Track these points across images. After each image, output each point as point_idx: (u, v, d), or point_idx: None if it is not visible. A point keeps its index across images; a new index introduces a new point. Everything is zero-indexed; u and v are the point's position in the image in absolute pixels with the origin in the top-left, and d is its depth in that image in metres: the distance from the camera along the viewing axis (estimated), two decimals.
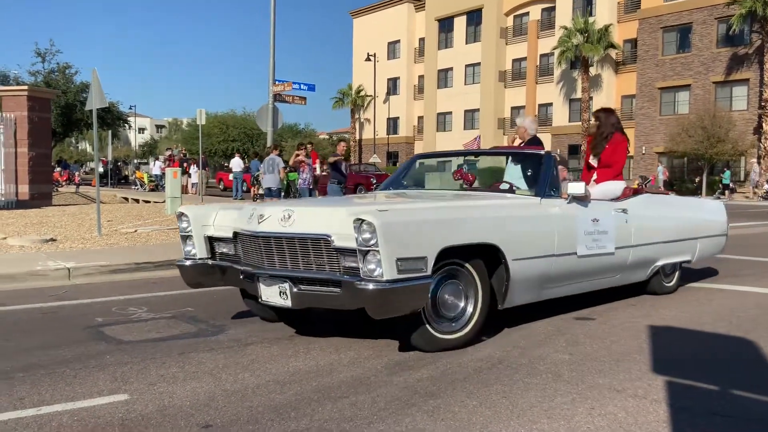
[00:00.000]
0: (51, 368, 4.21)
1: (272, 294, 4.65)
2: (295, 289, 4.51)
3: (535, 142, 7.86)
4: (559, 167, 5.91)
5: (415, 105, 56.48)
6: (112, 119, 37.70)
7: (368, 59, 53.30)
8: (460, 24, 51.18)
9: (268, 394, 3.75)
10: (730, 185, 33.49)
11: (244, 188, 26.99)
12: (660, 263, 6.60)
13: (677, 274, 7.08)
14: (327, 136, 68.33)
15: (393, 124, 57.55)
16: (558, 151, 36.13)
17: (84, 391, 3.75)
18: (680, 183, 35.73)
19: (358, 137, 59.31)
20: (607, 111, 7.05)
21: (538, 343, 4.93)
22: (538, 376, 4.10)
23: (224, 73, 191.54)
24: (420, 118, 55.41)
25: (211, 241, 5.30)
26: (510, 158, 6.80)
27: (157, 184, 32.59)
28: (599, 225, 5.68)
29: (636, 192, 6.78)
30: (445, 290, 4.67)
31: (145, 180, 34.24)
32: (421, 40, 55.13)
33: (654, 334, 5.20)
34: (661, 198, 7.30)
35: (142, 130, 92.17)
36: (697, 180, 35.52)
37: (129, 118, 46.51)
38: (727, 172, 33.73)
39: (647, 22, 39.00)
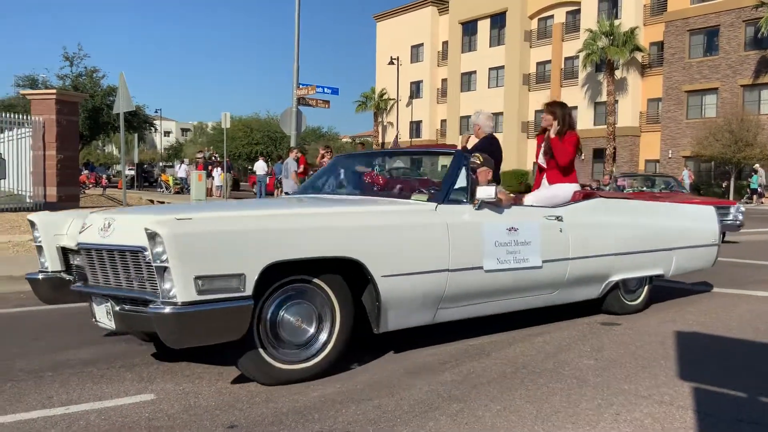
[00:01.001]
0: (78, 368, 4.28)
1: (102, 314, 4.14)
2: (117, 309, 3.95)
3: (489, 141, 6.86)
4: (482, 169, 5.24)
5: (438, 108, 56.40)
6: (139, 122, 38.11)
7: (391, 63, 53.30)
8: (483, 27, 51.01)
9: (292, 396, 3.77)
10: (759, 190, 32.99)
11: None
12: (616, 278, 5.80)
13: (645, 290, 6.27)
14: (350, 140, 68.48)
15: (416, 127, 57.53)
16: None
17: (111, 391, 3.80)
18: (707, 187, 35.28)
19: (380, 140, 59.36)
20: (562, 105, 6.46)
21: (562, 347, 4.90)
22: (562, 381, 4.08)
23: (249, 77, 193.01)
24: (443, 121, 55.30)
25: (65, 251, 4.62)
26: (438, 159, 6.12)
27: (182, 187, 32.92)
28: (518, 235, 4.95)
29: (587, 196, 6.02)
30: (289, 311, 3.98)
31: (170, 183, 34.59)
32: (445, 43, 55.05)
33: (680, 340, 5.14)
34: (619, 203, 6.23)
35: (167, 133, 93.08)
36: (724, 185, 35.04)
37: (155, 122, 47.00)
38: (755, 177, 33.24)
39: (674, 24, 38.58)
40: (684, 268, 6.61)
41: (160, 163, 64.03)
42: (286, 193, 15.51)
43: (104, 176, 42.63)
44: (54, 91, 16.43)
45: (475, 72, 51.63)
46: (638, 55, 40.41)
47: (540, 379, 4.11)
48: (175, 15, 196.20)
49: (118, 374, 4.15)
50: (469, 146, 6.63)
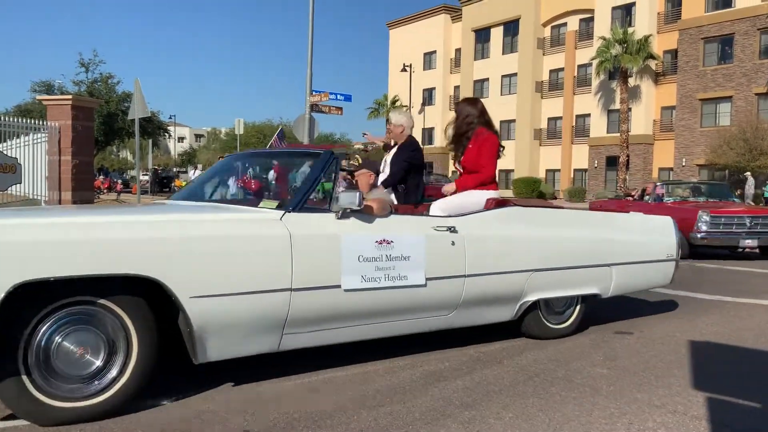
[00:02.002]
0: None
1: None
2: None
3: (412, 145, 6.16)
4: (361, 173, 4.80)
5: (450, 116, 56.10)
6: (153, 128, 38.39)
7: (404, 70, 53.43)
8: (496, 35, 51.03)
9: (304, 401, 3.78)
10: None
11: None
12: (532, 298, 5.12)
13: (576, 311, 5.55)
14: (362, 146, 68.64)
15: (428, 134, 57.56)
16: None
17: None
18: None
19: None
20: (470, 101, 5.67)
21: (575, 356, 4.88)
22: (575, 389, 4.06)
23: (262, 84, 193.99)
24: None
25: None
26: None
27: None
28: (393, 248, 4.29)
29: (500, 204, 5.22)
30: (69, 338, 3.38)
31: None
32: (458, 50, 55.10)
33: (694, 349, 5.11)
34: (538, 213, 5.39)
35: (181, 139, 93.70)
36: (738, 193, 34.82)
37: (169, 128, 47.33)
38: (724, 188, 32.90)
39: (687, 32, 38.43)
40: (630, 286, 5.89)
41: (174, 169, 64.42)
42: None
43: (119, 181, 42.91)
44: (70, 96, 16.58)
45: (487, 79, 51.61)
46: (652, 63, 40.27)
47: (552, 387, 4.10)
48: (189, 22, 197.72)
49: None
50: (390, 149, 6.08)
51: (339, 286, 4.08)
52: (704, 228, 11.44)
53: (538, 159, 48.37)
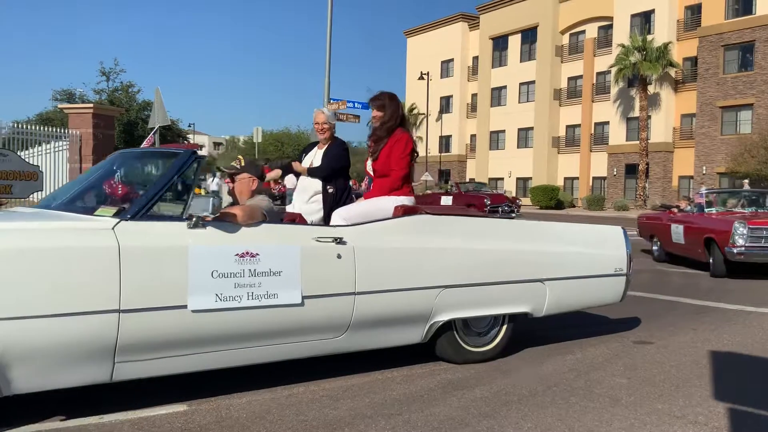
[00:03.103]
0: None
1: None
2: None
3: (343, 146, 5.58)
4: (242, 177, 4.47)
5: (468, 123, 56.35)
6: (173, 136, 38.75)
7: (421, 78, 53.47)
8: (514, 42, 50.95)
9: (322, 409, 3.79)
10: None
11: None
12: (444, 318, 4.56)
13: (502, 332, 4.98)
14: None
15: (445, 142, 57.54)
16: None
17: (144, 401, 3.85)
18: None
19: None
20: (393, 97, 5.07)
21: (595, 366, 4.85)
22: (595, 399, 4.03)
23: (281, 92, 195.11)
24: (473, 136, 55.23)
25: None
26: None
27: None
28: (259, 262, 3.79)
29: (408, 212, 4.65)
30: None
31: (202, 194, 35.00)
32: (475, 58, 55.08)
33: (715, 360, 5.05)
34: (451, 222, 4.77)
35: (200, 147, 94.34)
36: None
37: (188, 136, 47.74)
38: None
39: (707, 39, 38.13)
40: (569, 303, 5.31)
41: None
42: None
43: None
44: (91, 105, 16.79)
45: (505, 87, 51.52)
46: (671, 71, 40.00)
47: (572, 397, 4.07)
48: (209, 32, 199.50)
49: (152, 385, 4.19)
50: (319, 149, 5.53)
51: (185, 306, 3.57)
52: (740, 242, 9.67)
53: (556, 167, 48.14)
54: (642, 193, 40.40)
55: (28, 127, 15.84)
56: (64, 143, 15.58)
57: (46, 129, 15.83)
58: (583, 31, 46.73)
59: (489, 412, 3.78)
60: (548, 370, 4.72)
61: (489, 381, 4.41)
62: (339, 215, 4.72)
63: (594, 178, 45.83)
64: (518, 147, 50.29)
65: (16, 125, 15.18)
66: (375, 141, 4.97)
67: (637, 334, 5.98)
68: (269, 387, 4.16)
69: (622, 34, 41.64)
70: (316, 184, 5.38)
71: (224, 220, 3.85)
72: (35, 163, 14.64)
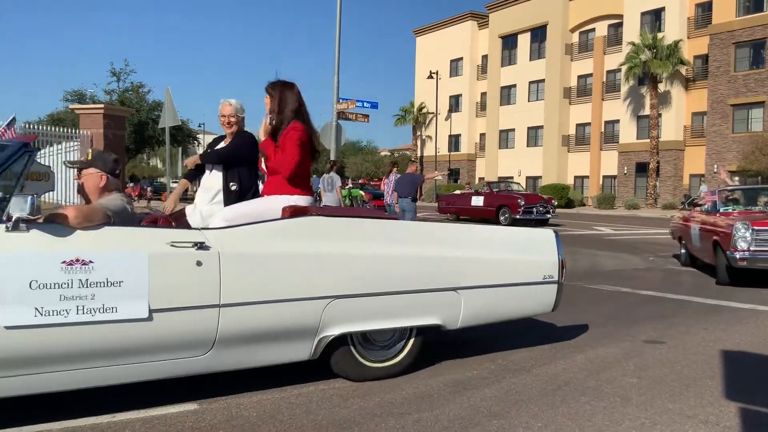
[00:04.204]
0: None
1: None
2: None
3: (251, 138, 5.05)
4: (88, 172, 4.06)
5: (477, 122, 56.29)
6: (183, 137, 38.95)
7: (430, 77, 53.47)
8: (524, 41, 50.85)
9: (332, 408, 3.79)
10: None
11: None
12: (336, 332, 4.08)
13: (410, 345, 4.51)
14: (388, 153, 68.72)
15: (455, 141, 57.48)
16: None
17: (156, 400, 3.87)
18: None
19: (419, 154, 59.45)
20: (288, 85, 4.59)
21: (605, 365, 4.83)
22: (605, 399, 4.02)
23: None
24: (482, 135, 55.16)
25: None
26: None
27: None
28: (93, 271, 3.34)
29: (297, 213, 4.19)
30: None
31: None
32: (484, 57, 55.00)
33: (726, 359, 5.03)
34: (347, 224, 4.24)
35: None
36: None
37: (198, 135, 47.93)
38: None
39: (718, 37, 37.91)
40: (490, 314, 4.80)
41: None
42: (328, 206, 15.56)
43: (149, 188, 43.51)
44: (102, 105, 16.89)
45: (515, 85, 51.42)
46: (682, 69, 39.79)
47: (582, 397, 4.06)
48: (219, 33, 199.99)
49: (163, 384, 4.21)
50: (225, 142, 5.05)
51: None
52: (743, 246, 8.59)
53: (566, 165, 48.00)
54: (653, 192, 40.22)
55: (40, 127, 15.96)
56: (75, 144, 15.69)
57: (57, 129, 15.95)
58: (593, 29, 46.57)
59: (499, 411, 3.78)
60: (558, 369, 4.71)
61: (498, 380, 4.40)
62: (221, 216, 4.26)
63: (604, 177, 45.68)
64: (528, 146, 50.18)
65: (27, 126, 15.30)
66: (273, 136, 4.53)
67: (648, 333, 5.95)
68: (279, 386, 4.17)
69: (632, 32, 41.48)
70: (219, 182, 4.87)
71: (55, 222, 3.36)
72: (47, 164, 14.75)
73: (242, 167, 4.83)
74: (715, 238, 9.32)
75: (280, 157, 4.38)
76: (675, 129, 40.57)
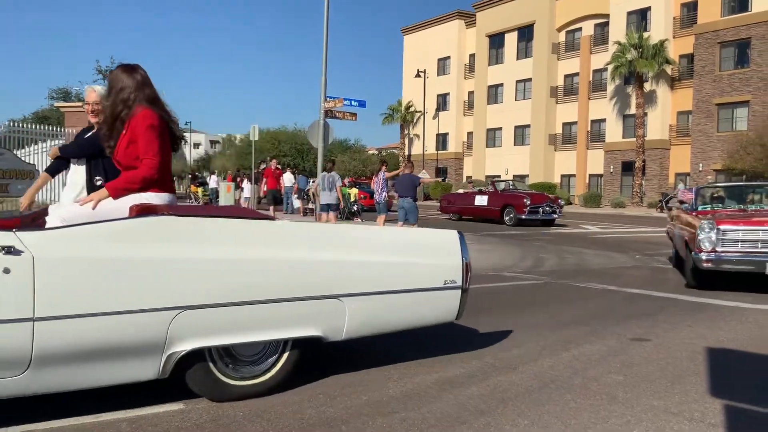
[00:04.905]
0: None
1: None
2: None
3: (88, 132, 4.53)
4: None
5: (464, 121, 56.40)
6: None
7: (418, 75, 53.53)
8: (511, 40, 51.00)
9: (319, 407, 3.79)
10: None
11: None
12: (187, 347, 3.59)
13: (283, 360, 4.04)
14: (376, 152, 68.72)
15: (442, 139, 57.56)
16: None
17: (142, 399, 3.85)
18: None
19: (407, 153, 59.48)
20: (126, 69, 4.07)
21: (591, 363, 4.86)
22: (591, 397, 4.04)
23: (277, 90, 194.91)
24: (470, 134, 55.28)
25: None
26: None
27: (210, 198, 33.33)
28: None
29: (145, 212, 3.69)
30: None
31: (200, 194, 35.04)
32: (472, 56, 55.12)
33: (711, 357, 5.07)
34: (202, 225, 3.73)
35: (197, 145, 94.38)
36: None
37: (185, 134, 47.67)
38: None
39: (704, 37, 38.20)
40: (383, 324, 4.36)
41: (189, 175, 64.92)
42: (327, 205, 15.48)
43: None
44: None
45: (502, 84, 51.59)
46: (668, 68, 40.08)
47: (568, 394, 4.08)
48: (204, 29, 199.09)
49: (149, 383, 4.19)
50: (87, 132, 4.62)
51: None
52: (707, 246, 8.14)
53: (552, 164, 48.22)
54: (638, 191, 40.49)
55: (25, 125, 15.82)
56: (61, 142, 15.56)
57: (42, 127, 15.81)
58: (580, 29, 46.80)
59: (485, 409, 3.79)
60: (544, 367, 4.73)
61: (485, 378, 4.41)
62: (58, 215, 3.76)
63: (590, 176, 45.93)
64: (515, 144, 50.37)
65: (12, 124, 15.16)
66: (109, 127, 4.01)
67: (634, 330, 5.99)
68: None
69: (618, 32, 41.71)
70: (83, 177, 4.50)
71: None
72: (31, 162, 14.62)
73: (108, 159, 4.28)
74: (686, 238, 9.03)
75: (133, 149, 3.87)
76: (660, 128, 40.85)
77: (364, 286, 4.18)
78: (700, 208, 9.77)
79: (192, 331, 3.60)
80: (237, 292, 3.71)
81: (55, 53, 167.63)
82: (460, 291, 4.59)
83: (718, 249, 8.13)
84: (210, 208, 5.57)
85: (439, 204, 27.50)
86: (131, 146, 3.88)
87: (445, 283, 4.52)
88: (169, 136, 4.05)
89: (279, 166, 22.31)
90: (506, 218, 22.32)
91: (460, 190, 30.06)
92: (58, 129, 15.82)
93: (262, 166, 33.69)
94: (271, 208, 19.35)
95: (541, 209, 22.07)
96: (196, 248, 3.62)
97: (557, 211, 22.73)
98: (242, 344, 3.88)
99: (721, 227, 8.16)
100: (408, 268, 4.38)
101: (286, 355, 4.06)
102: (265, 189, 22.47)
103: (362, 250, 4.27)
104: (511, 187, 25.59)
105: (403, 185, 14.29)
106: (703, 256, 8.16)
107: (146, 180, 3.85)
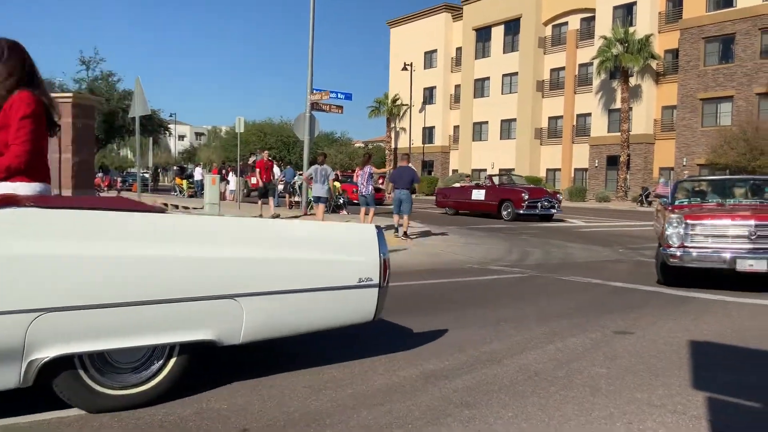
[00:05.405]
0: None
1: None
2: None
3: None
4: None
5: (451, 114, 56.43)
6: (154, 126, 38.45)
7: (405, 69, 53.48)
8: (497, 33, 51.04)
9: (304, 400, 3.78)
10: None
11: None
12: (54, 353, 3.23)
13: (169, 366, 3.68)
14: (362, 145, 68.64)
15: (429, 133, 57.57)
16: None
17: None
18: None
19: (393, 146, 59.46)
20: (11, 45, 3.76)
21: (575, 356, 4.88)
22: (575, 389, 4.06)
23: (263, 82, 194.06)
24: (456, 127, 55.33)
25: None
26: None
27: (195, 191, 33.14)
28: None
29: (4, 202, 3.26)
30: None
31: (185, 186, 34.83)
32: (458, 49, 55.13)
33: (694, 350, 5.10)
34: (69, 219, 3.34)
35: (182, 137, 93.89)
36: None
37: (169, 126, 47.38)
38: None
39: (689, 32, 38.42)
40: (288, 326, 4.04)
41: (174, 167, 64.55)
42: (317, 197, 15.49)
43: (119, 179, 42.98)
44: (71, 94, 16.53)
45: (488, 78, 51.65)
46: (653, 63, 40.30)
47: (552, 387, 4.10)
48: (190, 20, 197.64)
49: None
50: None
51: None
52: (675, 242, 7.87)
53: (538, 158, 48.40)
54: (623, 185, 40.74)
55: None
56: None
57: None
58: (566, 23, 46.92)
59: (470, 401, 3.80)
60: (529, 359, 4.75)
61: (470, 371, 4.42)
62: None
63: (576, 170, 46.15)
64: (501, 138, 50.48)
65: None
66: None
67: (618, 323, 6.02)
68: (250, 379, 4.14)
69: (604, 26, 41.87)
70: None
71: None
72: None
73: None
74: (658, 233, 8.86)
75: (4, 134, 3.58)
76: (645, 122, 41.09)
77: (265, 285, 3.86)
78: (677, 203, 9.44)
79: (55, 336, 3.23)
80: (111, 292, 3.34)
81: (37, 44, 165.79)
82: (377, 289, 4.28)
83: (687, 244, 7.85)
84: (90, 200, 5.05)
85: (435, 198, 27.15)
86: (3, 131, 3.60)
87: (359, 281, 4.20)
88: (47, 121, 3.75)
89: (271, 158, 22.08)
90: (504, 213, 22.04)
91: (456, 184, 29.71)
92: None
93: (252, 158, 33.50)
94: (269, 200, 19.19)
95: (539, 204, 21.75)
96: (61, 244, 3.24)
97: (556, 206, 22.36)
98: (118, 350, 3.50)
99: (689, 222, 7.89)
100: (317, 265, 4.07)
101: (173, 362, 3.69)
102: (254, 182, 22.30)
103: (264, 245, 3.91)
104: (508, 181, 25.21)
105: (399, 177, 14.36)
106: (669, 251, 7.91)
107: (11, 169, 3.57)
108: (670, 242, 7.93)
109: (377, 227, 4.42)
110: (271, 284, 3.87)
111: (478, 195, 23.42)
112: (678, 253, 7.85)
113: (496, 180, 24.60)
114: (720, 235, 7.78)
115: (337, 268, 4.14)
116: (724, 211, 8.32)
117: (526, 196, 21.62)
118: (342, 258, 4.17)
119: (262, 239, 3.96)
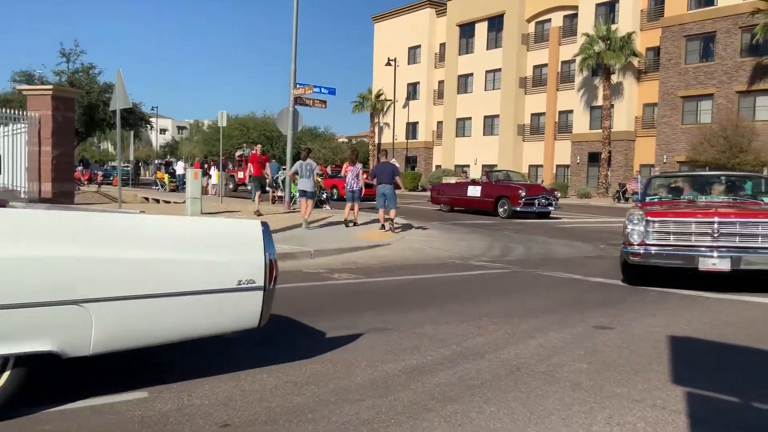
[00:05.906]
0: (72, 366, 4.25)
1: None
2: None
3: None
4: None
5: (434, 110, 56.44)
6: (135, 120, 38.09)
7: (389, 64, 53.39)
8: (481, 30, 51.10)
9: (286, 395, 3.77)
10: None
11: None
12: None
13: (5, 379, 3.28)
14: (346, 140, 68.53)
15: (412, 128, 57.55)
16: None
17: (105, 388, 3.79)
18: None
19: (377, 141, 59.37)
20: None
21: (556, 350, 4.91)
22: (556, 384, 4.09)
23: (245, 76, 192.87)
24: (439, 123, 55.35)
25: None
26: None
27: (177, 185, 32.92)
28: None
29: None
30: None
31: (166, 180, 34.58)
32: (442, 45, 55.11)
33: (674, 345, 5.16)
34: None
35: (163, 131, 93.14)
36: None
37: (151, 119, 46.96)
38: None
39: (670, 30, 38.69)
40: (151, 334, 3.63)
41: (156, 161, 64.03)
42: (303, 191, 15.42)
43: (99, 173, 42.56)
44: (50, 87, 16.37)
45: (471, 74, 51.72)
46: (634, 60, 40.53)
47: (534, 381, 4.12)
48: (172, 13, 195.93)
49: (112, 372, 4.14)
50: None
51: None
52: (636, 239, 7.65)
53: (521, 154, 48.56)
54: (604, 181, 41.02)
55: None
56: (23, 126, 15.21)
57: (4, 111, 15.42)
58: (549, 20, 47.05)
59: (453, 396, 3.81)
60: (511, 354, 4.77)
61: (452, 366, 4.43)
62: None
63: (558, 166, 46.37)
64: (484, 134, 50.59)
65: None
66: None
67: (598, 319, 6.07)
68: (232, 373, 4.13)
69: (586, 24, 42.04)
70: None
71: None
72: None
73: None
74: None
75: None
76: (627, 120, 41.35)
77: (120, 290, 3.42)
78: (647, 199, 9.11)
79: None
80: None
81: (17, 35, 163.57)
82: (261, 293, 3.89)
83: (648, 242, 7.61)
84: None
85: (429, 194, 26.77)
86: None
87: (239, 284, 3.80)
88: None
89: (263, 152, 21.82)
90: (500, 210, 21.49)
91: (453, 180, 29.12)
92: (21, 113, 15.44)
93: (239, 152, 33.22)
94: (256, 194, 19.01)
95: (537, 201, 21.19)
96: None
97: (553, 203, 21.79)
98: None
99: (650, 219, 7.64)
100: (186, 266, 3.65)
101: (7, 375, 3.28)
102: (241, 176, 22.07)
103: (122, 245, 3.48)
104: (505, 177, 24.46)
105: (383, 173, 14.46)
106: (632, 249, 7.67)
107: None
108: (631, 240, 7.69)
109: (263, 224, 3.99)
110: (126, 288, 3.44)
111: (474, 191, 22.87)
112: (639, 251, 7.63)
113: (492, 176, 23.79)
114: (682, 233, 7.55)
115: (212, 269, 3.74)
116: (689, 208, 8.03)
117: (524, 193, 21.10)
118: (218, 258, 3.77)
119: (118, 237, 3.51)
